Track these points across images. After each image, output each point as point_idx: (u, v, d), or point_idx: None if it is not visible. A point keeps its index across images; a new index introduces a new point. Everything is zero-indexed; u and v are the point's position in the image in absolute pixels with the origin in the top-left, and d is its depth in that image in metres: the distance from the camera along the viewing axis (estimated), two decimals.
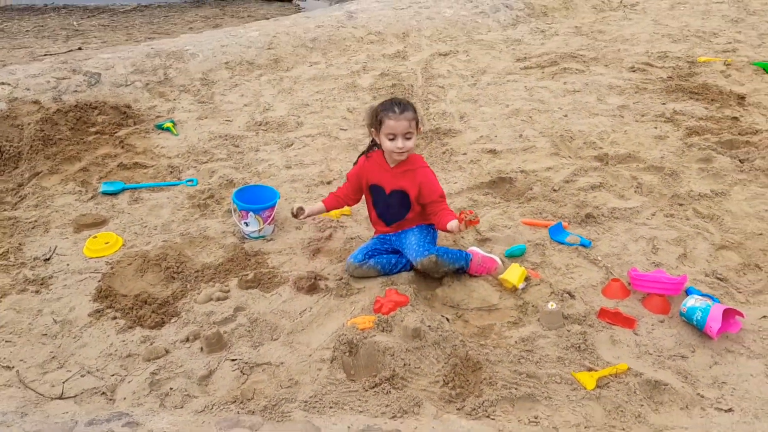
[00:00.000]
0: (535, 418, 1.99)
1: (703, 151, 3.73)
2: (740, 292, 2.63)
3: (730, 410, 2.05)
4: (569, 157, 3.76)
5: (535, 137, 3.99)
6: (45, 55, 7.52)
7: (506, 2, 6.60)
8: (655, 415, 2.01)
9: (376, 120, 2.59)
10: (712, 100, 4.45)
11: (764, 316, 2.47)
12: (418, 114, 2.64)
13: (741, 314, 2.39)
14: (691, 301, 2.41)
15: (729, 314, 2.38)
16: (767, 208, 3.19)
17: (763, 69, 4.99)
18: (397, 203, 2.69)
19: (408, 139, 2.57)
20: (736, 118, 4.15)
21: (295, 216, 2.75)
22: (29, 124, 3.75)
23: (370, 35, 5.67)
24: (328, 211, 2.86)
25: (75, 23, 10.11)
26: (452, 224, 2.49)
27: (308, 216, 2.80)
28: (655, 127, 4.08)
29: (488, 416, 1.99)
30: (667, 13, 6.63)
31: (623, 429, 1.94)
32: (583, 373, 2.17)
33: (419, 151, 3.80)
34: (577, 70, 5.09)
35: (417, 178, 2.64)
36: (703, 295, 2.52)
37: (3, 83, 4.11)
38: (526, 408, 2.03)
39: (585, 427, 1.94)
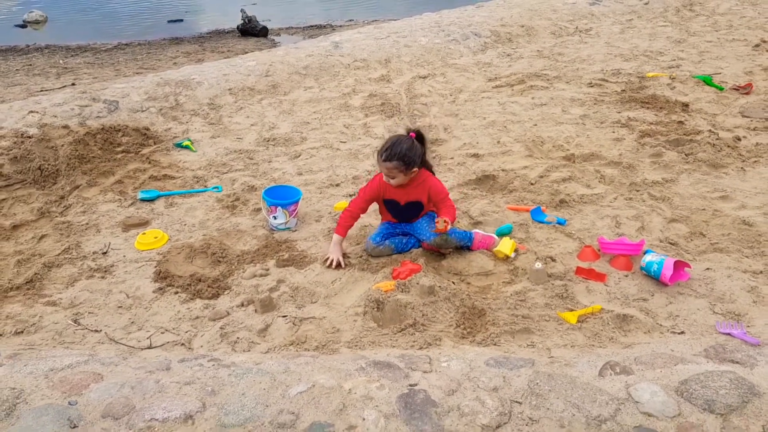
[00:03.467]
0: (532, 343, 2.51)
1: (654, 148, 4.36)
2: (688, 253, 3.21)
3: (682, 332, 2.60)
4: (541, 157, 4.35)
5: (511, 143, 4.58)
6: (41, 91, 7.94)
7: (475, 31, 7.29)
8: (624, 338, 2.56)
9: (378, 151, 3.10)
10: (660, 108, 5.13)
11: (708, 269, 3.05)
12: (409, 158, 3.01)
13: (689, 266, 2.97)
14: (649, 257, 2.98)
15: (679, 266, 2.95)
16: (708, 190, 3.81)
17: (704, 81, 5.71)
18: (410, 210, 3.24)
19: (391, 177, 3.06)
20: (681, 122, 4.81)
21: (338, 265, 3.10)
22: (62, 145, 4.19)
23: (356, 62, 6.26)
24: (345, 236, 3.23)
25: (61, 61, 10.50)
26: (439, 224, 3.00)
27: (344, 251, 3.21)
28: (613, 132, 4.72)
29: (495, 344, 2.50)
30: (618, 36, 7.40)
31: (600, 346, 2.48)
32: (567, 313, 2.71)
33: None
34: (542, 86, 5.74)
35: (426, 188, 3.18)
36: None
37: (32, 111, 4.56)
38: (524, 338, 2.56)
39: (571, 347, 2.47)
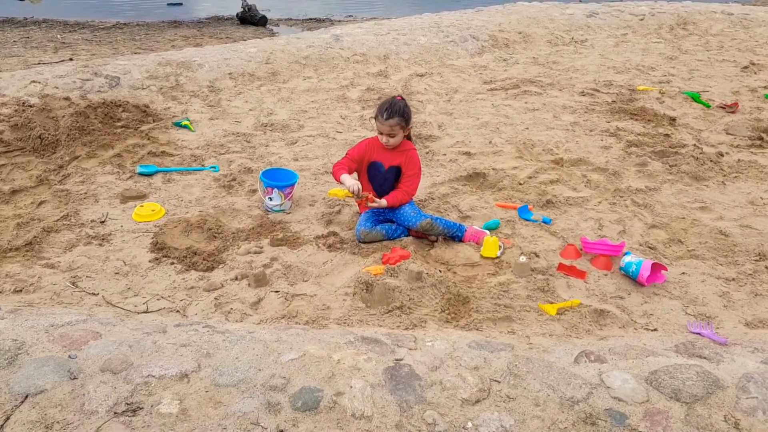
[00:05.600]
0: (512, 330, 2.63)
1: (640, 158, 4.52)
2: (666, 258, 3.36)
3: (655, 330, 2.74)
4: (531, 159, 4.49)
5: (503, 144, 4.71)
6: (38, 63, 7.95)
7: (473, 34, 7.43)
8: (600, 331, 2.69)
9: (375, 116, 3.31)
10: (648, 120, 5.29)
11: (683, 273, 3.20)
12: (407, 114, 3.30)
13: (665, 268, 3.11)
14: (628, 258, 3.12)
15: (656, 269, 3.09)
16: (689, 200, 3.97)
17: (692, 98, 5.89)
18: (392, 177, 3.39)
19: (391, 136, 3.28)
20: (667, 135, 4.97)
21: (358, 195, 3.24)
22: (63, 116, 4.24)
23: (355, 56, 6.37)
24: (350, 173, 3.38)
25: (59, 36, 10.48)
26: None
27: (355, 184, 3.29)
28: (602, 140, 4.87)
29: (477, 329, 2.62)
30: (612, 49, 7.58)
31: (577, 336, 2.60)
32: (547, 305, 2.83)
33: None
34: (536, 92, 5.89)
35: (407, 156, 3.38)
36: None
37: (34, 81, 4.60)
38: (505, 325, 2.68)
39: (549, 336, 2.60)
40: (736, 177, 4.36)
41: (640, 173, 4.31)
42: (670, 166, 4.44)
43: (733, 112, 5.56)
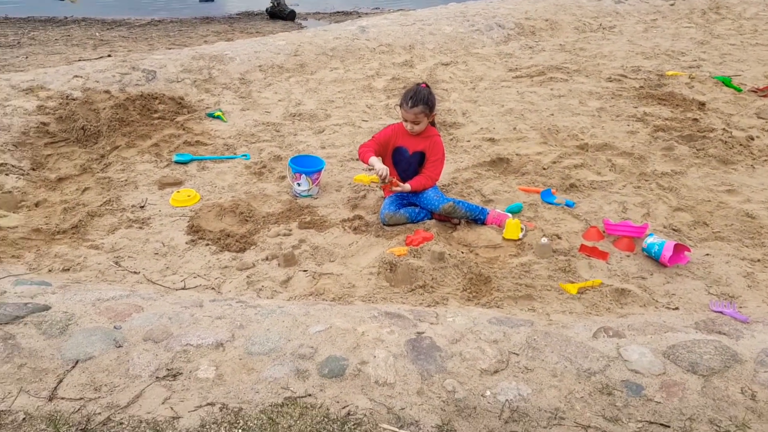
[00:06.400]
0: (533, 308, 2.71)
1: (666, 142, 4.52)
2: (690, 240, 3.38)
3: (676, 308, 2.78)
4: (555, 145, 4.53)
5: (527, 130, 4.76)
6: (79, 60, 8.23)
7: (499, 22, 7.45)
8: (620, 309, 2.74)
9: (400, 103, 3.41)
10: (676, 105, 5.26)
11: (707, 254, 3.22)
12: (431, 102, 3.38)
13: (688, 249, 3.14)
14: (651, 239, 3.16)
15: (679, 250, 3.12)
16: (715, 183, 3.97)
17: (723, 82, 5.82)
18: (415, 162, 3.49)
19: (416, 123, 3.37)
20: (696, 120, 4.95)
21: (384, 180, 3.34)
22: (104, 108, 4.44)
23: (381, 46, 6.46)
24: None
25: (98, 34, 10.81)
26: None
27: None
28: (628, 125, 4.87)
29: (498, 307, 2.70)
30: (642, 35, 7.51)
31: (597, 314, 2.67)
32: (568, 284, 2.90)
33: None
34: (561, 79, 5.90)
35: (431, 142, 3.47)
36: None
37: (77, 76, 4.82)
38: (526, 303, 2.75)
39: (570, 313, 2.67)
40: (766, 161, 4.32)
41: (666, 157, 4.32)
42: (697, 149, 4.43)
43: (765, 96, 5.49)
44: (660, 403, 2.01)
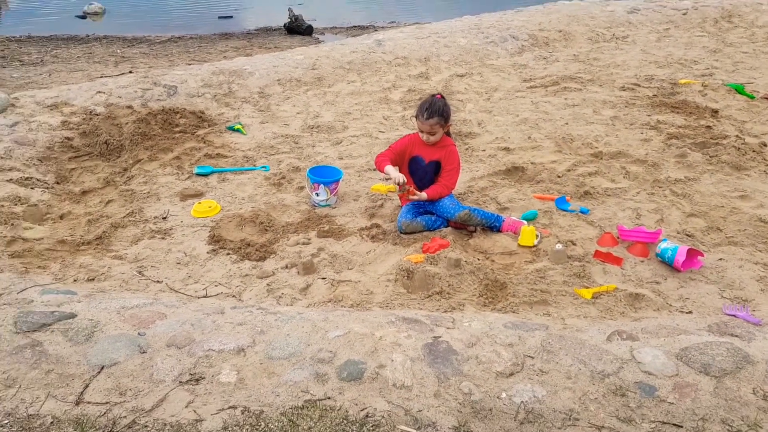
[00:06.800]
0: (548, 313, 2.75)
1: (680, 149, 4.54)
2: (704, 245, 3.40)
3: (689, 312, 2.81)
4: (570, 153, 4.57)
5: (542, 139, 4.81)
6: (101, 76, 8.44)
7: (513, 33, 7.52)
8: (634, 313, 2.78)
9: (416, 115, 3.49)
10: (690, 113, 5.27)
11: (720, 259, 3.24)
12: (446, 113, 3.45)
13: (702, 254, 3.16)
14: (664, 244, 3.19)
15: (693, 254, 3.15)
16: (728, 189, 3.98)
17: (736, 90, 5.83)
18: (431, 171, 3.56)
19: (432, 134, 3.45)
20: (709, 127, 4.96)
21: (401, 189, 3.41)
22: (127, 123, 4.57)
23: (397, 59, 6.56)
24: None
25: (119, 51, 11.06)
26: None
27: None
28: (642, 133, 4.90)
29: (513, 312, 2.75)
30: (654, 44, 7.53)
31: (612, 318, 2.70)
32: (582, 289, 2.94)
33: None
34: (575, 88, 5.94)
35: (447, 152, 3.54)
36: None
37: (99, 92, 4.97)
38: (541, 309, 2.80)
39: (584, 317, 2.70)
40: None
41: (680, 164, 4.34)
42: (710, 156, 4.45)
43: None
44: (673, 403, 2.05)
